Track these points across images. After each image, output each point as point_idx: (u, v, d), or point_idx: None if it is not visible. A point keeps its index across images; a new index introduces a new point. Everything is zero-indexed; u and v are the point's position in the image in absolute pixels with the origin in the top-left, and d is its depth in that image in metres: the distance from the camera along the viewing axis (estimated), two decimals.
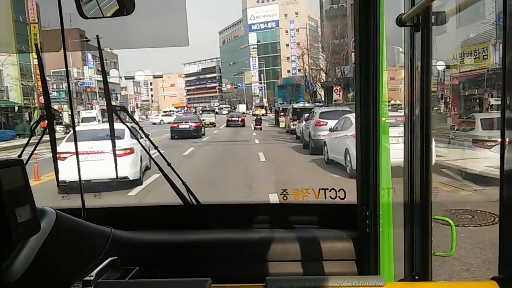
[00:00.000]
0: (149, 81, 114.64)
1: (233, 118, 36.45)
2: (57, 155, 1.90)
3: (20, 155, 1.62)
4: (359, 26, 1.59)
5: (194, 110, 59.83)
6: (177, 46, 1.80)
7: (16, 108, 32.82)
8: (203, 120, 30.93)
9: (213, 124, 36.23)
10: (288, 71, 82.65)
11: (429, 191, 1.40)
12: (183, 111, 68.09)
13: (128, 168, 8.89)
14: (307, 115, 18.36)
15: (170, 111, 69.71)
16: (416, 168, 1.42)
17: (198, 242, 1.88)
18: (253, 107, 71.55)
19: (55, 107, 35.92)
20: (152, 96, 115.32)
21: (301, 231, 1.91)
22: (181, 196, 1.93)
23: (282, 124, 29.77)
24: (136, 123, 2.26)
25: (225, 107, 78.24)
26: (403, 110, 1.49)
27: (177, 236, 1.90)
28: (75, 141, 2.13)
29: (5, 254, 1.31)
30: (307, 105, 27.76)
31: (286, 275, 1.71)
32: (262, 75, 79.58)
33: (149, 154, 2.22)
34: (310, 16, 69.90)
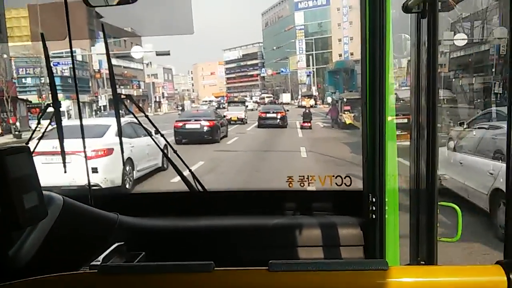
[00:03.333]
0: (190, 70, 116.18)
1: (267, 115, 26.68)
2: None
3: (27, 143, 1.82)
4: (366, 12, 1.70)
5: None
6: (182, 34, 1.97)
7: None
8: (225, 116, 24.68)
9: (242, 121, 28.88)
10: (340, 55, 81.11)
11: (435, 177, 1.51)
12: (222, 101, 68.15)
13: (100, 173, 7.52)
14: None
15: (209, 101, 70.19)
16: (422, 154, 1.52)
17: (204, 228, 2.08)
18: (299, 97, 69.27)
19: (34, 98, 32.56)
20: (193, 85, 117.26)
21: (307, 218, 2.10)
22: (187, 183, 2.13)
23: (348, 120, 22.66)
24: (146, 115, 2.32)
25: (267, 97, 76.39)
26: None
27: (184, 222, 2.10)
28: (82, 137, 2.19)
29: (14, 240, 1.50)
30: None
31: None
32: (311, 58, 78.34)
33: (160, 148, 2.41)
34: None
